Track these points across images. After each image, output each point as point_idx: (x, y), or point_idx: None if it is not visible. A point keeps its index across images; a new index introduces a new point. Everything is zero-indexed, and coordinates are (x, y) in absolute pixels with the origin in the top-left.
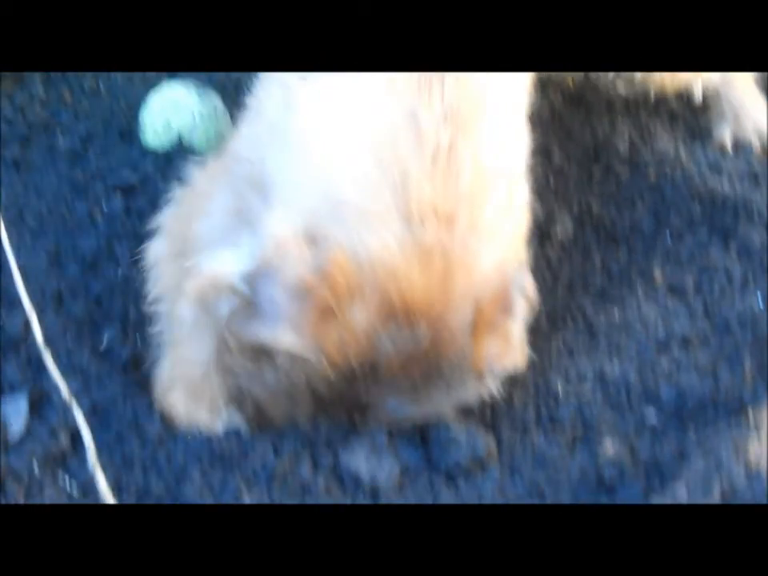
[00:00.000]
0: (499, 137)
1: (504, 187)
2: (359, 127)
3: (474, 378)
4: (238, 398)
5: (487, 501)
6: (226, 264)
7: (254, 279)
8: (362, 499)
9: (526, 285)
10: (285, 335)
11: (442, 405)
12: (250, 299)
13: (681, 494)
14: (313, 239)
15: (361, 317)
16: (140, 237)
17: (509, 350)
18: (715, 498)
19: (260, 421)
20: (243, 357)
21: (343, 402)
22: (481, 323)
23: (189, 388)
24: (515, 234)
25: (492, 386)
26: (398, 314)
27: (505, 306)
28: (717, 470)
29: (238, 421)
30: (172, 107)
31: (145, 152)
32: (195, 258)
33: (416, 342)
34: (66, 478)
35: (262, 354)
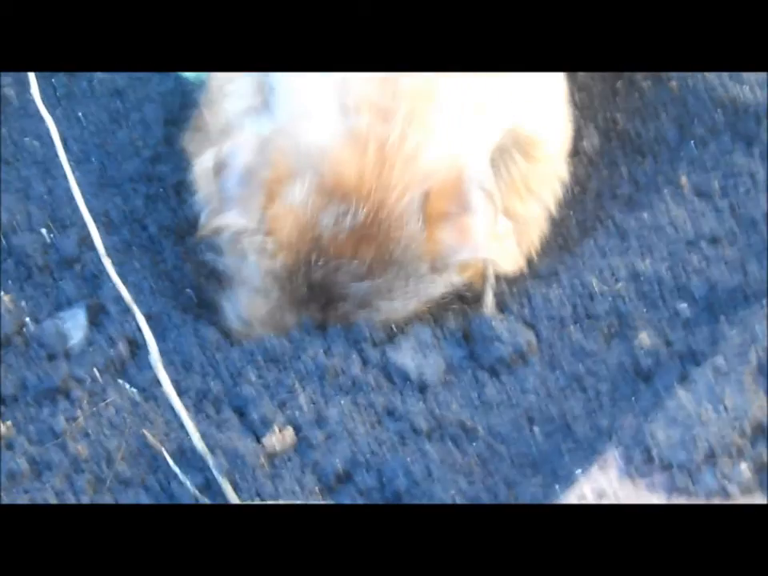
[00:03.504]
0: None
1: (451, 90)
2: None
3: (430, 267)
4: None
5: (530, 393)
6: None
7: (216, 173)
8: (411, 394)
9: (487, 183)
10: (235, 218)
11: (406, 296)
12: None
13: (719, 363)
14: (262, 137)
15: (300, 195)
16: (180, 162)
17: (466, 242)
18: (752, 365)
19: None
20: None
21: (310, 291)
22: (430, 211)
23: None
24: (474, 132)
25: (454, 278)
26: (334, 192)
27: (459, 199)
28: (752, 341)
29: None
30: None
31: (182, 84)
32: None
33: (354, 218)
34: (127, 384)
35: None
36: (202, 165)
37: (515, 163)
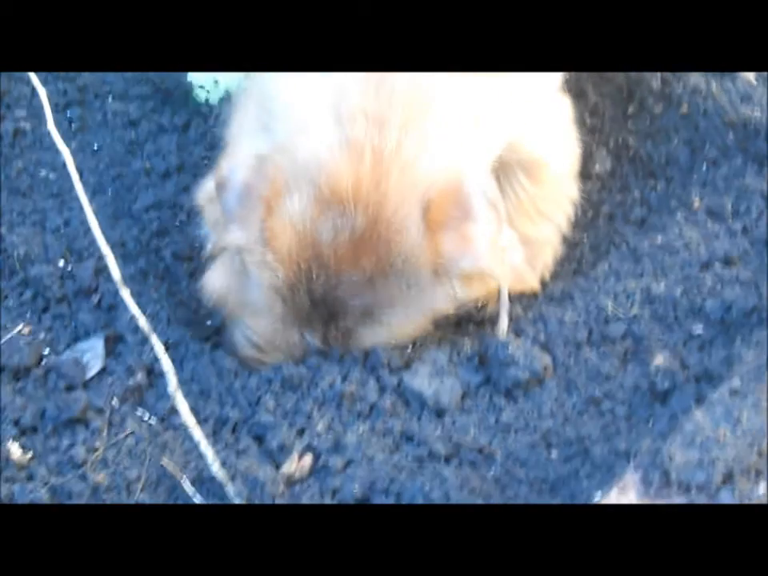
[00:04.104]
0: None
1: (448, 101)
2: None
3: (432, 276)
4: None
5: (547, 416)
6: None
7: (217, 194)
8: (428, 419)
9: (490, 192)
10: (235, 233)
11: (408, 308)
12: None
13: (735, 385)
14: (260, 155)
15: (298, 207)
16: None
17: (468, 250)
18: None
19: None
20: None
21: (313, 306)
22: (431, 220)
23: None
24: (473, 144)
25: (458, 290)
26: (331, 202)
27: (461, 207)
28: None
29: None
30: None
31: (194, 109)
32: None
33: (352, 228)
34: (146, 414)
35: (240, 271)
36: (204, 189)
37: (521, 185)
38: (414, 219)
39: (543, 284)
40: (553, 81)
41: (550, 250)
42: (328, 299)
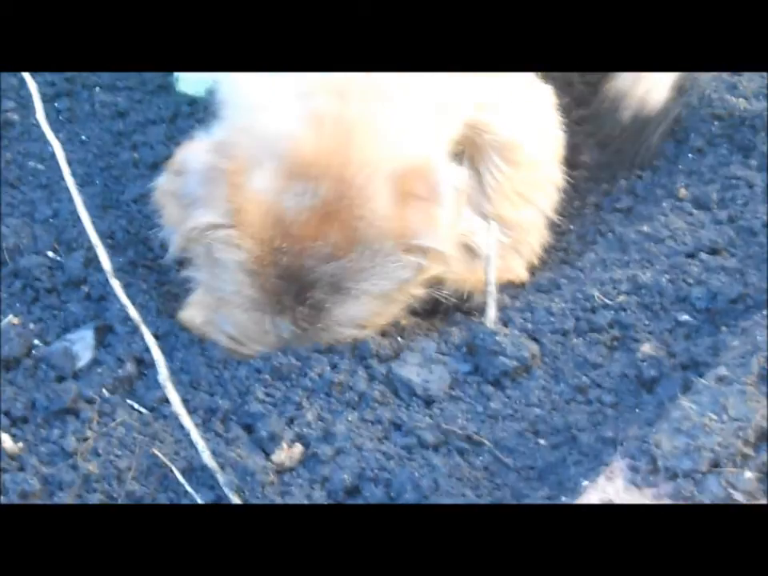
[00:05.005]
0: None
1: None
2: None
3: (396, 246)
4: None
5: (535, 405)
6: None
7: (176, 181)
8: (417, 408)
9: (456, 177)
10: (201, 214)
11: (376, 277)
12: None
13: (722, 372)
14: (217, 138)
15: (262, 181)
16: None
17: (429, 228)
18: (755, 374)
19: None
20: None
21: (281, 280)
22: (400, 190)
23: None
24: (440, 124)
25: (424, 258)
26: (294, 174)
27: (428, 187)
28: (754, 350)
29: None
30: None
31: (181, 100)
32: None
33: (317, 198)
34: (136, 404)
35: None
36: (160, 186)
37: (497, 167)
38: (381, 189)
39: (532, 271)
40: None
41: (535, 236)
42: (295, 271)
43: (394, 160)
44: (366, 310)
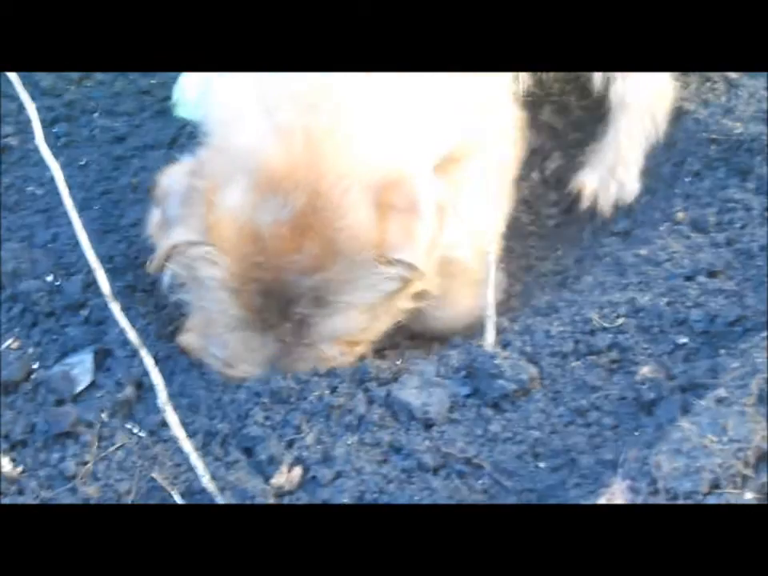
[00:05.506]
0: None
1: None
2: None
3: (377, 257)
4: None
5: (534, 428)
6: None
7: (160, 202)
8: (416, 431)
9: (437, 192)
10: (179, 233)
11: (359, 289)
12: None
13: (721, 393)
14: (196, 158)
15: (236, 198)
16: None
17: (411, 244)
18: (754, 396)
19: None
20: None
21: (264, 298)
22: (380, 202)
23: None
24: (417, 138)
25: (403, 272)
26: (267, 188)
27: (407, 199)
28: (753, 372)
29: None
30: (204, 82)
31: (180, 125)
32: None
33: (291, 211)
34: (135, 425)
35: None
36: (152, 219)
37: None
38: (359, 200)
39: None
40: (500, 91)
41: (491, 227)
42: (276, 287)
43: (370, 170)
44: (351, 323)
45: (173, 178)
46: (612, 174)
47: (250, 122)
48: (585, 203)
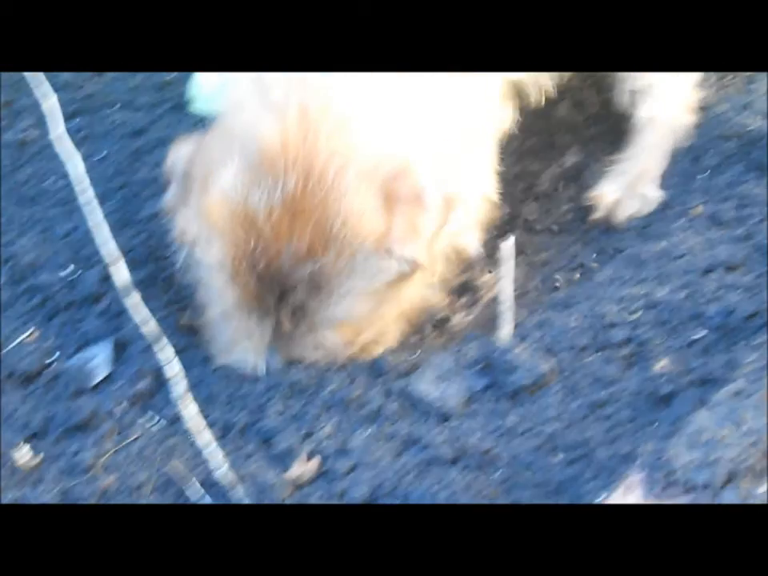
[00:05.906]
0: None
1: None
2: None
3: (376, 245)
4: None
5: (551, 420)
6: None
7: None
8: (434, 423)
9: (443, 182)
10: (180, 219)
11: (356, 276)
12: None
13: (738, 386)
14: (195, 141)
15: (230, 178)
16: None
17: (415, 238)
18: None
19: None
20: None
21: (261, 283)
22: (384, 196)
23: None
24: (415, 130)
25: (404, 263)
26: (262, 167)
27: (413, 192)
28: None
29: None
30: (219, 77)
31: (198, 118)
32: None
33: (285, 192)
34: (153, 416)
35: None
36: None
37: None
38: (355, 185)
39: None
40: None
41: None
42: (272, 271)
43: (371, 156)
44: (350, 309)
45: (176, 160)
46: (632, 188)
47: (246, 102)
48: (600, 213)
